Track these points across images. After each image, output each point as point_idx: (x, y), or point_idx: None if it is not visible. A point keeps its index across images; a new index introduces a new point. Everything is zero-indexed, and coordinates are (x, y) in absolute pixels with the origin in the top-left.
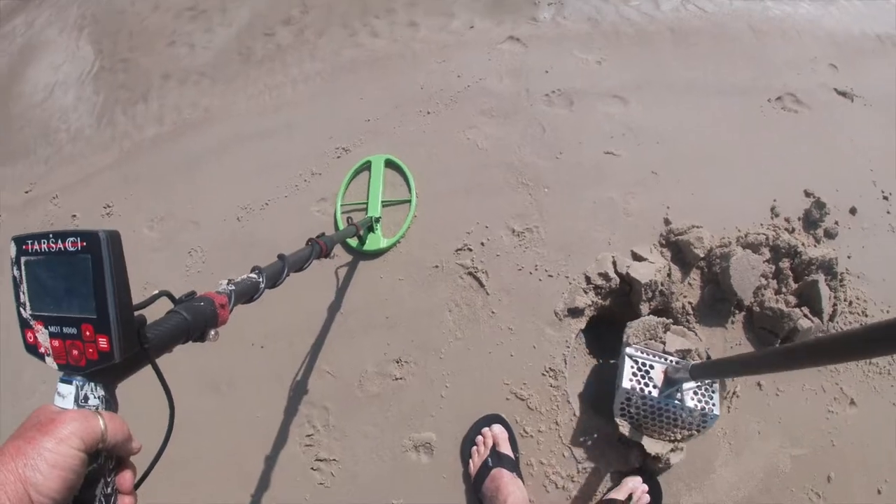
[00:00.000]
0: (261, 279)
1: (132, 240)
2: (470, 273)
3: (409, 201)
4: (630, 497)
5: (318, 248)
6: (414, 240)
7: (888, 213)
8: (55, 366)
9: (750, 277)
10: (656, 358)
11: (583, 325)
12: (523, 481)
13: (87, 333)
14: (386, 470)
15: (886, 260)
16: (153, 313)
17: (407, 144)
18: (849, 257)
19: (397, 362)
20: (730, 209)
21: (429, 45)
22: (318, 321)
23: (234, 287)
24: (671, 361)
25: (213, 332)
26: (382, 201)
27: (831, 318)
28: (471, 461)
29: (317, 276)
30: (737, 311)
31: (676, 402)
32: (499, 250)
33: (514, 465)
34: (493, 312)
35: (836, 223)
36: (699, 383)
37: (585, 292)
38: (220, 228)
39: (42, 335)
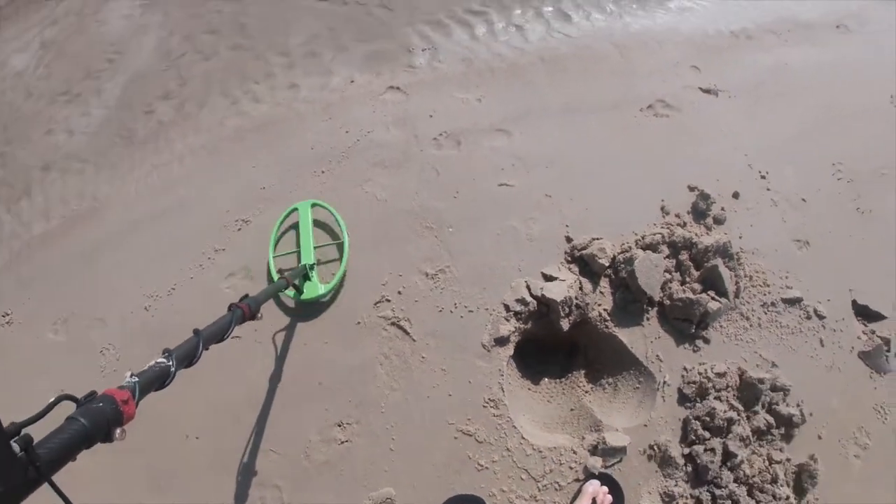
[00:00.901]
0: (171, 362)
1: (38, 347)
2: (393, 323)
3: (342, 242)
4: (594, 502)
5: (240, 312)
6: (331, 301)
7: (768, 189)
8: None
9: (655, 275)
10: None
11: (511, 352)
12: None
13: None
14: None
15: (774, 232)
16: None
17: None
18: (740, 237)
19: (339, 426)
20: (623, 216)
21: (312, 104)
22: (250, 399)
23: (137, 379)
24: None
25: (118, 431)
26: (315, 246)
27: (737, 296)
28: None
29: (237, 351)
30: (650, 308)
31: None
32: (416, 296)
33: None
34: (423, 357)
35: (723, 209)
36: None
37: (507, 320)
38: (129, 322)
39: None
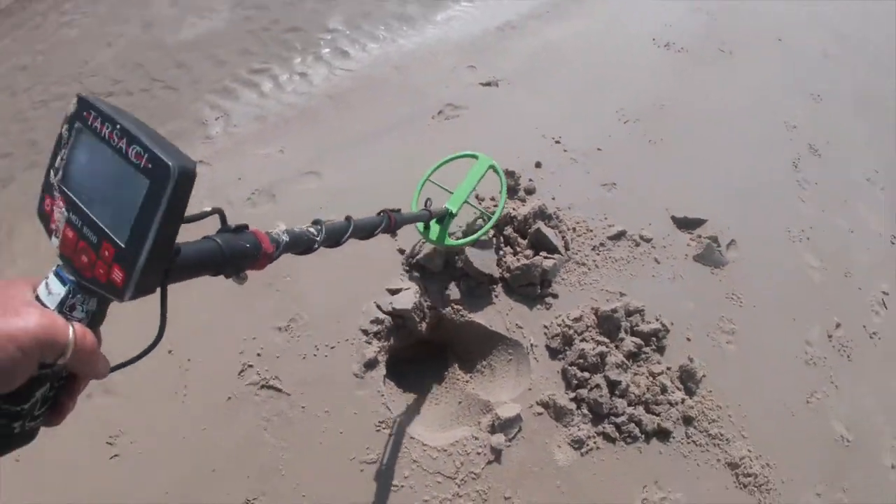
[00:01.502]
0: (318, 236)
1: None
2: (263, 386)
3: (492, 216)
4: None
5: (388, 220)
6: (196, 385)
7: (565, 151)
8: (57, 250)
9: (487, 256)
10: None
11: (384, 371)
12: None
13: (106, 254)
14: None
15: (582, 183)
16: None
17: (144, 300)
18: (553, 199)
19: (247, 502)
20: None
21: None
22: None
23: (287, 238)
24: None
25: (243, 275)
26: (467, 200)
27: (567, 248)
28: None
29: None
30: (494, 287)
31: None
32: (276, 352)
33: None
34: (303, 408)
35: (531, 180)
36: None
37: (369, 343)
38: None
39: (59, 213)
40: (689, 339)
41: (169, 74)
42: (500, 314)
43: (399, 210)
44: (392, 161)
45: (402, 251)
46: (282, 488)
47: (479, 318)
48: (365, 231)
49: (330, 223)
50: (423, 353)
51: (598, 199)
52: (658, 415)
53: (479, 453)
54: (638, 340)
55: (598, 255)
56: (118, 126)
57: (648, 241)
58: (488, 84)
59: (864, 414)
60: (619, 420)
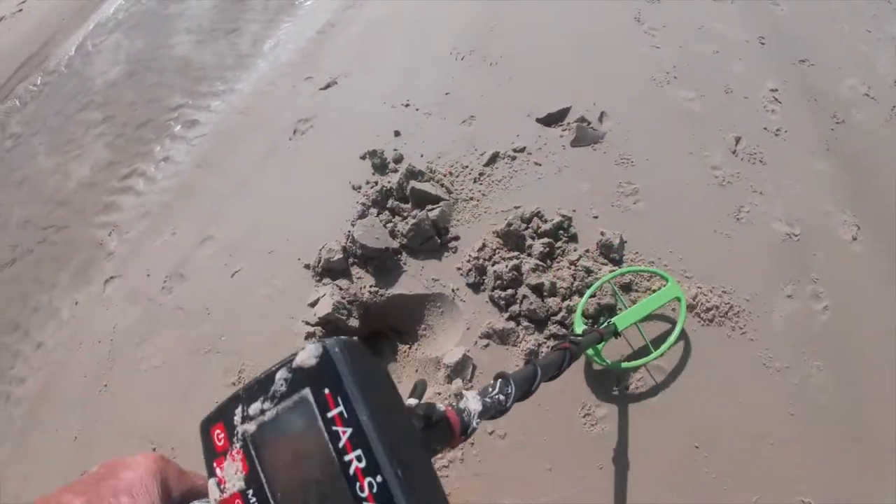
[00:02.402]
0: (509, 402)
1: None
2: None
3: (659, 352)
4: None
5: (569, 352)
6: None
7: (417, 110)
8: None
9: (378, 232)
10: None
11: None
12: None
13: None
14: None
15: (441, 130)
16: None
17: (114, 422)
18: (421, 155)
19: None
20: (330, 215)
21: (62, 346)
22: None
23: (479, 408)
24: None
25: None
26: (637, 322)
27: (450, 192)
28: None
29: None
30: (398, 256)
31: None
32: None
33: None
34: None
35: (395, 150)
36: None
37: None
38: None
39: (232, 473)
40: (595, 217)
41: (55, 217)
42: (414, 278)
43: (572, 337)
44: (271, 193)
45: (307, 266)
46: None
47: (397, 289)
48: (550, 371)
49: (517, 373)
50: (369, 342)
51: (462, 136)
52: (594, 296)
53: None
54: (546, 240)
55: (480, 184)
56: (358, 428)
57: (522, 150)
58: (328, 86)
59: (801, 204)
60: (559, 317)
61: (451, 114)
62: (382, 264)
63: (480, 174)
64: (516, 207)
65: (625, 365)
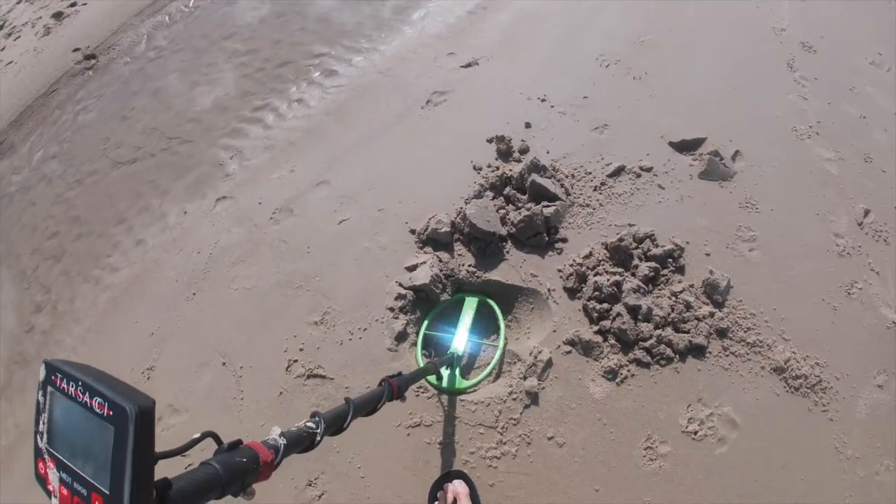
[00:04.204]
0: (318, 428)
1: None
2: (308, 376)
3: (496, 346)
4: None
5: (390, 388)
6: (252, 388)
7: (552, 107)
8: None
9: (490, 214)
10: None
11: (415, 340)
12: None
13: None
14: None
15: (573, 132)
16: None
17: (191, 327)
18: (548, 152)
19: (310, 485)
20: (446, 191)
21: (161, 247)
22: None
23: (285, 441)
24: None
25: (249, 490)
26: (469, 340)
27: (568, 193)
28: None
29: None
30: (503, 244)
31: None
32: (316, 344)
33: None
34: (346, 388)
35: (523, 140)
36: None
37: (396, 318)
38: None
39: (53, 474)
40: (707, 255)
41: (183, 130)
42: (513, 268)
43: (400, 374)
44: (393, 154)
45: (412, 231)
46: (338, 464)
47: (494, 275)
48: (368, 407)
49: (330, 412)
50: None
51: (592, 142)
52: (687, 332)
53: (515, 399)
54: (653, 264)
55: (600, 194)
56: (81, 382)
57: (649, 170)
58: (469, 65)
59: None
60: (648, 344)
61: (585, 118)
62: (486, 247)
63: (602, 184)
64: (630, 225)
65: (464, 384)
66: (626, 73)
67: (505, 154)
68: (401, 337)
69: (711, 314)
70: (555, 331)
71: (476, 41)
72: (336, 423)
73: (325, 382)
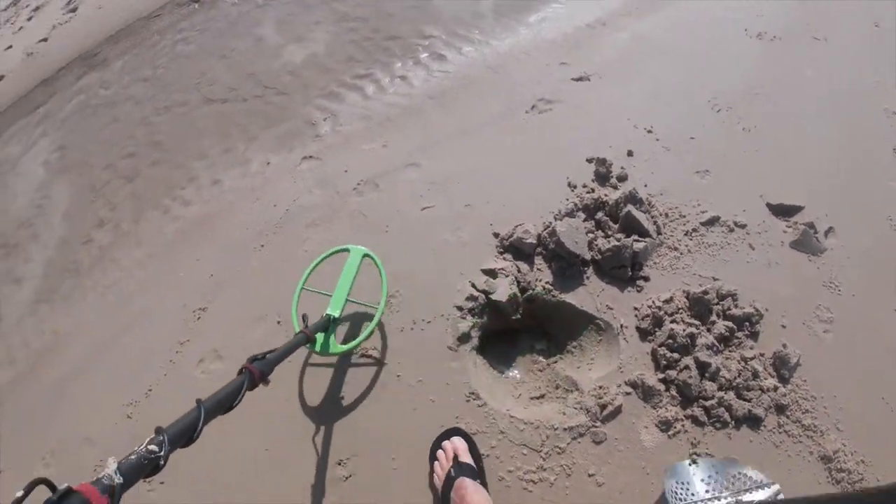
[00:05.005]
0: (161, 450)
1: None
2: (363, 356)
3: (377, 307)
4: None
5: (251, 375)
6: (301, 351)
7: (657, 140)
8: None
9: (579, 236)
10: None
11: (477, 344)
12: (488, 488)
13: None
14: None
15: (675, 170)
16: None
17: (253, 278)
18: (645, 185)
19: (340, 464)
20: (537, 201)
21: (238, 192)
22: (248, 461)
23: (121, 479)
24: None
25: None
26: (347, 299)
27: (659, 232)
28: (435, 476)
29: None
30: (585, 268)
31: None
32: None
33: (475, 474)
34: (398, 376)
35: (622, 168)
36: None
37: (463, 318)
38: (116, 434)
39: None
40: (783, 326)
41: (280, 82)
42: (591, 295)
43: (265, 356)
44: (489, 152)
45: (496, 234)
46: (373, 450)
47: (570, 298)
48: (224, 405)
49: (174, 424)
50: (513, 328)
51: (691, 185)
52: (749, 401)
53: (566, 429)
54: (730, 324)
55: (690, 239)
56: None
57: (743, 227)
58: (580, 79)
59: None
60: (708, 403)
61: (689, 159)
62: (567, 268)
63: (694, 230)
64: (715, 279)
65: (340, 348)
66: (737, 123)
67: (603, 178)
68: (464, 338)
69: (775, 388)
70: (620, 370)
71: (591, 56)
72: (185, 435)
73: (377, 365)
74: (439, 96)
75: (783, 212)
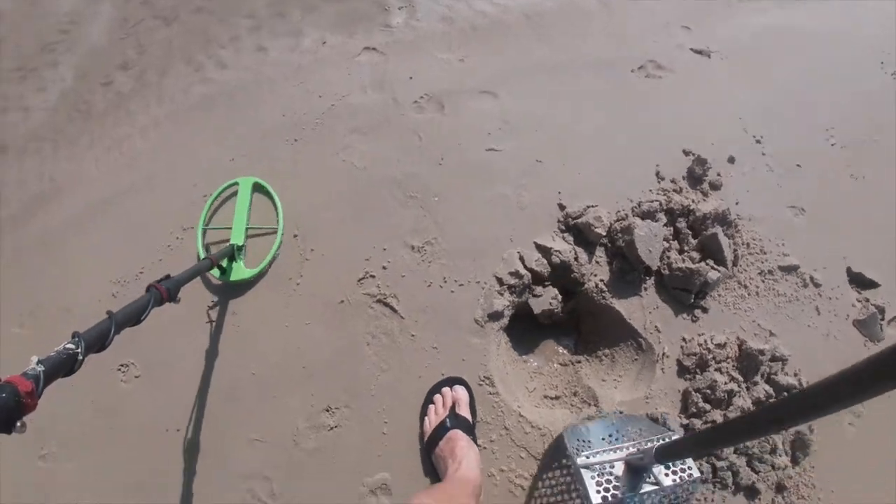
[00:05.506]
0: (79, 348)
1: (4, 342)
2: (379, 301)
3: (276, 230)
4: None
5: (158, 294)
6: (312, 279)
7: (763, 154)
8: None
9: (655, 245)
10: (612, 454)
11: (505, 325)
12: (480, 447)
13: None
14: None
15: (771, 198)
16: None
17: (281, 177)
18: (737, 203)
19: (328, 411)
20: (618, 182)
21: (282, 68)
22: (230, 387)
23: (43, 368)
24: (630, 451)
25: (19, 424)
26: (247, 227)
27: (735, 264)
28: (426, 419)
29: (211, 339)
30: (647, 278)
31: (654, 488)
32: (403, 270)
33: (470, 429)
34: (412, 336)
35: (719, 174)
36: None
37: (501, 294)
38: (96, 310)
39: None
40: None
41: None
42: (643, 309)
43: (168, 276)
44: (580, 103)
45: (562, 206)
46: (366, 408)
47: (620, 305)
48: (133, 318)
49: (89, 330)
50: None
51: (783, 221)
52: (758, 472)
53: None
54: (770, 390)
55: (762, 281)
56: None
57: (818, 286)
58: (700, 52)
59: None
60: (718, 464)
61: (789, 189)
62: (628, 272)
63: (770, 272)
64: (772, 334)
65: (250, 273)
66: (847, 166)
67: (696, 179)
68: (495, 316)
69: (784, 468)
70: (647, 400)
71: (719, 29)
72: (98, 342)
73: (392, 317)
74: (537, 17)
75: (860, 283)
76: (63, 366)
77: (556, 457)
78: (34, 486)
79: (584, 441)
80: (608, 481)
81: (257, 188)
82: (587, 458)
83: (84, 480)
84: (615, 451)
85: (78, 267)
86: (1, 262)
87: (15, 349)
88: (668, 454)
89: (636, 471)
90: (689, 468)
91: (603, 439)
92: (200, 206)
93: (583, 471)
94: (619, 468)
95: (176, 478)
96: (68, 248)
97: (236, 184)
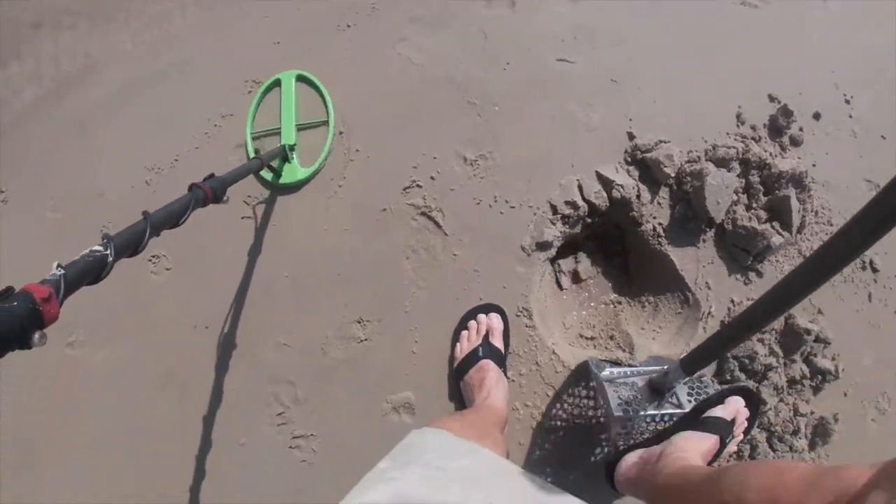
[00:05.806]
0: (108, 251)
1: (36, 225)
2: (423, 213)
3: (327, 122)
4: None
5: (202, 194)
6: (355, 182)
7: (850, 116)
8: None
9: (724, 196)
10: (634, 374)
11: (552, 256)
12: (508, 379)
13: None
14: (368, 437)
15: (849, 166)
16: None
17: (328, 67)
18: (814, 165)
19: (359, 322)
20: (695, 118)
21: None
22: (263, 288)
23: (63, 271)
24: (652, 370)
25: (37, 335)
26: (297, 125)
27: (799, 231)
28: (458, 344)
29: (249, 236)
30: (708, 230)
31: (674, 407)
32: (452, 183)
33: (502, 360)
34: (455, 255)
35: (801, 129)
36: (689, 379)
37: (553, 223)
38: (129, 197)
39: None
40: (845, 395)
41: None
42: (697, 262)
43: (212, 175)
44: (665, 24)
45: (631, 136)
46: (398, 324)
47: (674, 254)
48: (172, 220)
49: (121, 233)
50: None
51: (855, 192)
52: (775, 451)
53: None
54: (806, 370)
55: None
56: None
57: (876, 270)
58: None
59: None
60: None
61: (869, 160)
62: (690, 219)
63: None
64: (819, 312)
65: (306, 173)
66: None
67: (777, 131)
68: (543, 246)
69: (802, 451)
70: (681, 356)
71: None
72: (132, 245)
73: (435, 232)
74: None
75: None
76: (90, 271)
77: (580, 379)
78: (60, 371)
79: (608, 362)
80: (632, 397)
81: (301, 80)
82: (610, 373)
83: (110, 370)
84: (640, 375)
85: (112, 151)
86: (34, 144)
87: (51, 234)
88: (694, 362)
89: (659, 391)
90: (709, 388)
91: (629, 365)
92: (241, 91)
93: (606, 384)
94: (642, 385)
95: (202, 375)
96: (102, 130)
97: (278, 80)
